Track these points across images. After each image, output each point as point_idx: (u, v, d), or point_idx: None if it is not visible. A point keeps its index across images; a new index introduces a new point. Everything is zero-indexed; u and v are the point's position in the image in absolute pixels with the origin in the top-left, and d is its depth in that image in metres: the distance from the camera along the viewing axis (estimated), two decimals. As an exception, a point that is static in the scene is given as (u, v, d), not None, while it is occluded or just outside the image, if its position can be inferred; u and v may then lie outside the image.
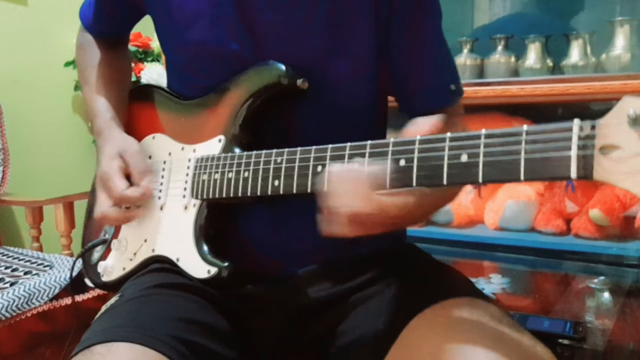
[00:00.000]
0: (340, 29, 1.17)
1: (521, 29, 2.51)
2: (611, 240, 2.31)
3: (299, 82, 1.14)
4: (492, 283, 2.15)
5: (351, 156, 0.92)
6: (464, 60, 2.55)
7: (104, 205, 1.24)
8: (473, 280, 2.12)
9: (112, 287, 1.33)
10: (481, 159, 0.78)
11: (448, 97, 1.27)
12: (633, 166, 0.66)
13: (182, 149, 1.27)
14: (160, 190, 1.27)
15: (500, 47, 2.49)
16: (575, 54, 2.32)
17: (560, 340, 1.61)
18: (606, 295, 2.07)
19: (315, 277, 1.21)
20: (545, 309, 1.95)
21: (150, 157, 1.32)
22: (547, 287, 2.32)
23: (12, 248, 2.92)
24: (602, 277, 2.17)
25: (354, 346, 1.11)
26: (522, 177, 0.74)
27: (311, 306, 1.20)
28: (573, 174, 0.69)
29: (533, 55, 2.40)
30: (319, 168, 0.96)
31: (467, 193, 2.64)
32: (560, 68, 2.37)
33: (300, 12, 1.16)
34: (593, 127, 0.69)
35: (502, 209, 2.50)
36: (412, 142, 0.85)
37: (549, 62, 2.40)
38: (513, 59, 2.47)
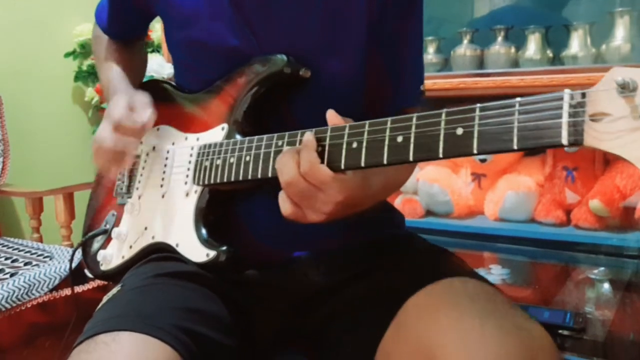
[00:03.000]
0: (335, 22, 1.19)
1: (521, 19, 2.51)
2: (611, 231, 2.31)
3: (302, 71, 1.17)
4: (492, 274, 2.15)
5: (350, 135, 0.94)
6: (463, 51, 2.55)
7: (104, 130, 1.23)
8: (473, 270, 2.13)
9: (111, 276, 1.34)
10: (476, 130, 0.80)
11: (419, 98, 1.30)
12: (620, 130, 0.68)
13: (186, 138, 1.28)
14: (163, 179, 1.28)
15: (500, 38, 2.49)
16: (575, 45, 2.31)
17: (560, 331, 1.62)
18: (606, 286, 2.07)
19: (315, 264, 1.23)
20: (545, 300, 1.96)
21: (154, 148, 1.33)
22: (547, 277, 2.33)
23: (12, 239, 2.93)
24: (602, 268, 2.17)
25: (351, 335, 1.12)
26: (515, 146, 0.76)
27: (310, 293, 1.21)
28: (564, 139, 0.72)
29: (533, 46, 2.40)
30: (319, 149, 0.97)
31: (467, 184, 2.65)
32: (560, 59, 2.37)
33: (295, 9, 1.18)
34: (583, 96, 0.71)
35: (502, 199, 2.49)
36: (410, 119, 0.88)
37: (549, 53, 2.40)
38: (513, 49, 2.46)
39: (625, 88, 0.67)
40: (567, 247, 2.35)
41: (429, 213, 2.74)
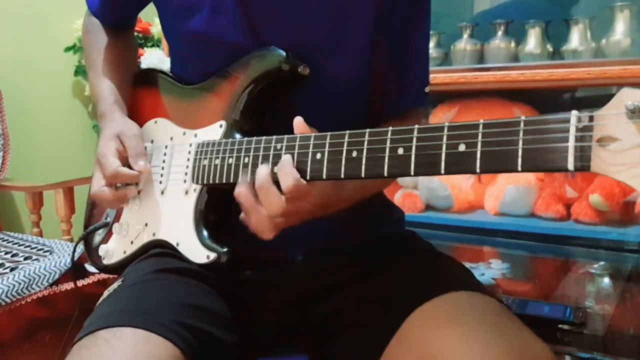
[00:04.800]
0: (340, 21, 1.17)
1: (521, 14, 2.52)
2: (611, 225, 2.31)
3: (300, 68, 1.14)
4: (492, 268, 2.15)
5: (350, 144, 0.92)
6: (463, 45, 2.55)
7: (98, 185, 1.24)
8: (473, 265, 2.14)
9: (113, 270, 1.33)
10: (479, 148, 0.78)
11: (422, 98, 1.29)
12: (631, 158, 0.66)
13: (184, 133, 1.27)
14: (162, 175, 1.27)
15: (500, 33, 2.49)
16: (575, 39, 2.32)
17: (560, 326, 1.62)
18: (606, 280, 2.07)
19: (315, 263, 1.21)
20: (545, 294, 1.96)
21: (152, 142, 1.32)
22: (547, 272, 2.33)
23: (12, 233, 2.93)
24: (602, 263, 2.18)
25: (353, 339, 1.12)
26: (519, 168, 0.74)
27: (310, 293, 1.20)
28: (570, 165, 0.69)
29: (533, 40, 2.41)
30: (318, 155, 0.96)
31: (467, 178, 2.65)
32: (560, 53, 2.37)
33: (300, 5, 1.16)
34: (591, 119, 0.69)
35: (502, 194, 2.50)
36: (411, 131, 0.86)
37: (549, 48, 2.41)
38: (513, 44, 2.47)
39: (635, 113, 0.65)
40: (567, 241, 2.36)
41: (429, 207, 2.74)
